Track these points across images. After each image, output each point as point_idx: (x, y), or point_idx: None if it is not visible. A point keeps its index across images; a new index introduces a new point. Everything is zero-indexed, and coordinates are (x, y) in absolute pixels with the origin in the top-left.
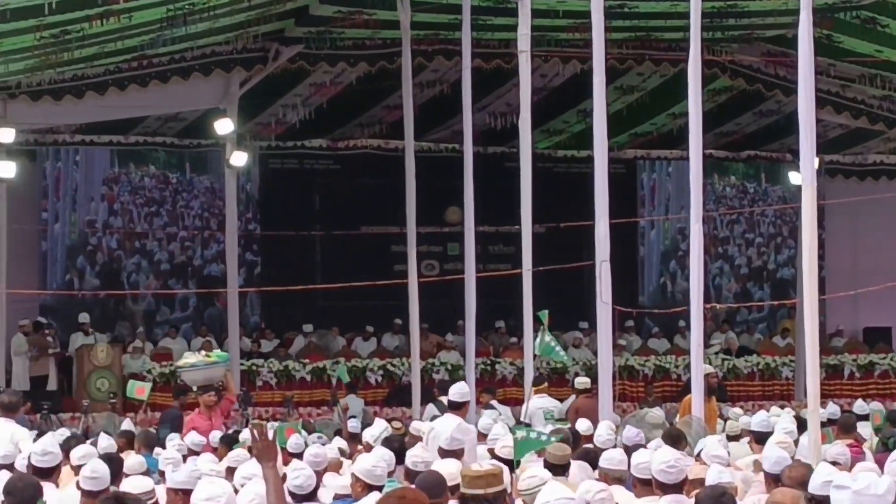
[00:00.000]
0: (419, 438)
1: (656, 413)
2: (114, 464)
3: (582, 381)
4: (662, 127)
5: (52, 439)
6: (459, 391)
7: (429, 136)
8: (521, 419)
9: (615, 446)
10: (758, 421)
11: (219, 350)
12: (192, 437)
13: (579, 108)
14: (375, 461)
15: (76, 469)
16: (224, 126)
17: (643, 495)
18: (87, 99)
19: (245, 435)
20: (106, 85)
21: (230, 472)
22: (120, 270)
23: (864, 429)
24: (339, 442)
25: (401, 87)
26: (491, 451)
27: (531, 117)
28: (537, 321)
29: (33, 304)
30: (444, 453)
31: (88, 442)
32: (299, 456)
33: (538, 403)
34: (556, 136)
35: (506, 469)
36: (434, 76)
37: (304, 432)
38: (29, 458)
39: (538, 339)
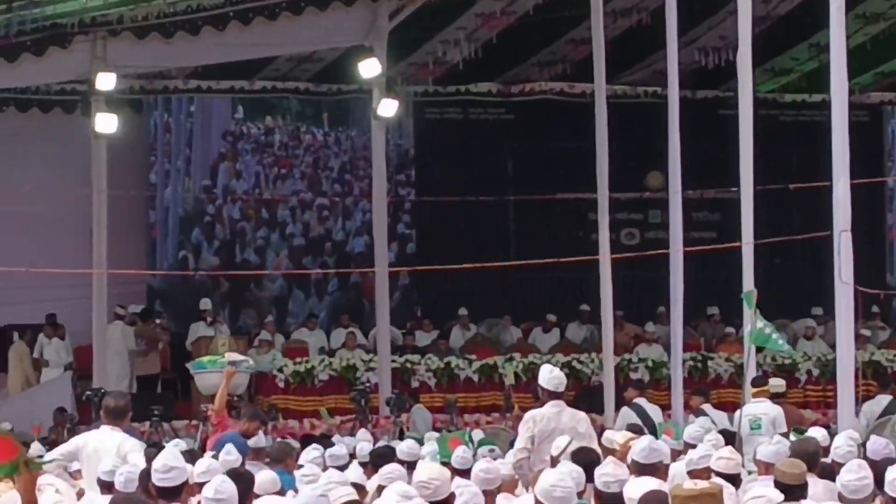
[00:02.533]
0: (612, 451)
1: None
2: (242, 481)
3: (776, 385)
4: None
5: (176, 452)
6: None
7: (623, 77)
8: (734, 428)
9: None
10: None
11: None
12: (336, 450)
13: (811, 41)
14: (558, 479)
15: (197, 488)
16: (370, 68)
17: None
18: (203, 36)
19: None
20: (226, 18)
21: (379, 491)
22: (244, 246)
23: None
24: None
25: (589, 16)
26: (700, 472)
27: (752, 53)
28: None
29: (139, 287)
30: (640, 469)
31: (209, 455)
32: (466, 473)
33: (748, 410)
34: (783, 76)
35: (726, 486)
36: (630, 3)
37: (471, 444)
38: (148, 476)
39: (748, 327)
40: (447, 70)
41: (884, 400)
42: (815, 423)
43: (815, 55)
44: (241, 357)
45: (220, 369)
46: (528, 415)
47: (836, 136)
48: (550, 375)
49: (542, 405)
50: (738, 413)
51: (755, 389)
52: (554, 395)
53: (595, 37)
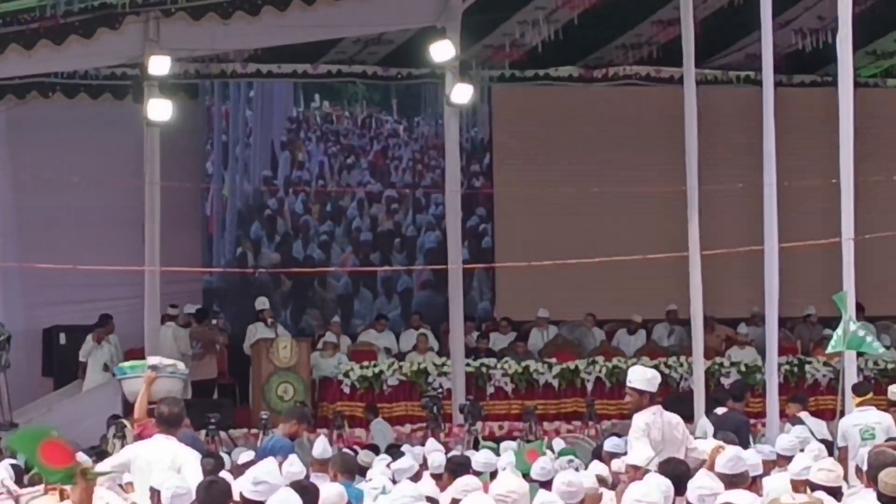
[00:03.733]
0: (702, 463)
1: None
2: (307, 495)
3: (893, 391)
4: None
5: (272, 465)
6: None
7: (714, 61)
8: (836, 442)
9: None
10: None
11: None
12: (405, 462)
13: None
14: (646, 492)
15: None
16: (442, 51)
17: None
18: (263, 16)
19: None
20: None
21: None
22: (307, 241)
23: None
24: (597, 467)
25: None
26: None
27: (853, 35)
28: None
29: (195, 286)
30: (727, 480)
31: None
32: (547, 485)
33: (856, 419)
34: (886, 59)
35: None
36: None
37: (550, 453)
38: (209, 487)
39: (839, 330)
40: (525, 53)
41: None
42: None
43: None
44: (167, 361)
45: (140, 374)
46: (639, 420)
47: None
48: (650, 376)
49: (641, 408)
50: (842, 422)
51: (859, 399)
52: (655, 398)
53: (684, 18)
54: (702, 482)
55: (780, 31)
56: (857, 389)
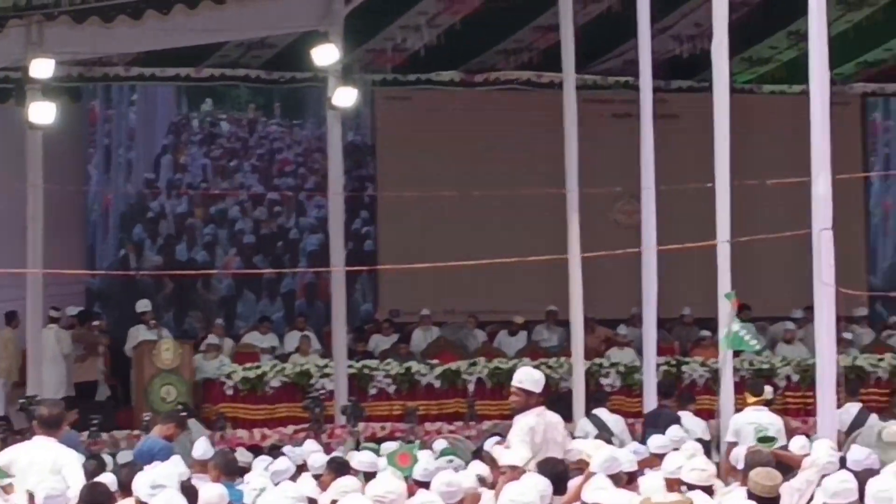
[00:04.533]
0: (583, 462)
1: (894, 429)
2: (188, 496)
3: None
4: None
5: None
6: None
7: (594, 66)
8: (724, 438)
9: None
10: None
11: None
12: (281, 463)
13: (790, 29)
14: (521, 491)
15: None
16: (325, 55)
17: None
18: (146, 20)
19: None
20: (171, 2)
21: None
22: (191, 244)
23: None
24: (477, 467)
25: (557, 2)
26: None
27: (728, 42)
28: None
29: (78, 289)
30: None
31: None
32: (427, 485)
33: (751, 418)
34: (761, 65)
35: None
36: None
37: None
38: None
39: (724, 330)
40: (408, 57)
41: (853, 409)
42: (796, 431)
43: (794, 43)
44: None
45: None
46: (523, 421)
47: (816, 129)
48: (538, 377)
49: (526, 409)
50: (736, 419)
51: (754, 399)
52: (540, 399)
53: (563, 24)
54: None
55: (658, 37)
56: (753, 389)
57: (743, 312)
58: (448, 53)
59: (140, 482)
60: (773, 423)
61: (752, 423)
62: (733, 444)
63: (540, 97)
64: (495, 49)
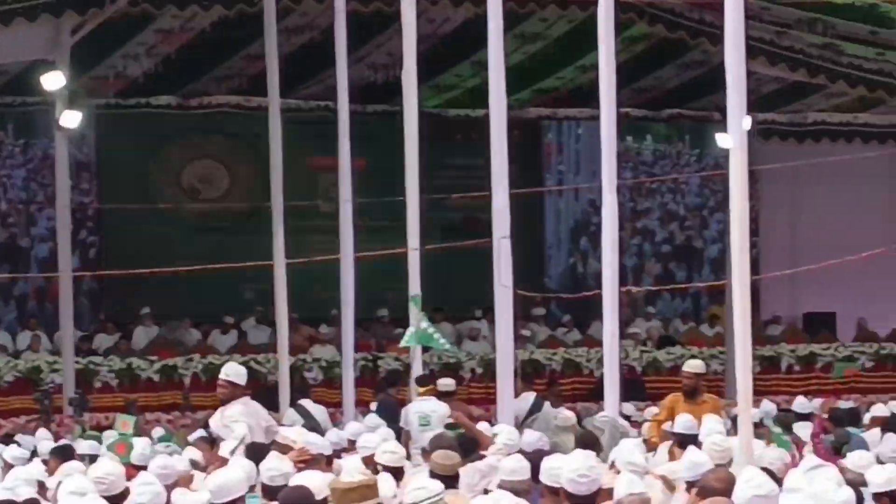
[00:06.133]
0: (289, 448)
1: (566, 415)
2: None
3: (445, 384)
4: (570, 81)
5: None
6: None
7: (297, 91)
8: (401, 425)
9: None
10: (681, 423)
11: None
12: (13, 451)
13: (473, 59)
14: (228, 476)
15: None
16: (53, 81)
17: None
18: None
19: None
20: None
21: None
22: None
23: (803, 430)
24: (191, 452)
25: (263, 33)
26: (367, 460)
27: (417, 70)
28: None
29: None
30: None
31: None
32: (145, 468)
33: (417, 407)
34: (447, 92)
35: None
36: (303, 21)
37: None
38: None
39: (411, 329)
40: (128, 83)
41: (529, 397)
42: (480, 418)
43: (476, 72)
44: None
45: None
46: (235, 410)
47: (495, 148)
48: (242, 371)
49: (234, 399)
50: (405, 410)
51: (422, 389)
52: (245, 391)
53: (269, 53)
54: (272, 464)
55: (356, 65)
56: (420, 381)
57: (437, 314)
58: (165, 80)
59: None
60: (435, 410)
61: (417, 412)
62: (406, 432)
63: (248, 118)
64: (208, 76)
